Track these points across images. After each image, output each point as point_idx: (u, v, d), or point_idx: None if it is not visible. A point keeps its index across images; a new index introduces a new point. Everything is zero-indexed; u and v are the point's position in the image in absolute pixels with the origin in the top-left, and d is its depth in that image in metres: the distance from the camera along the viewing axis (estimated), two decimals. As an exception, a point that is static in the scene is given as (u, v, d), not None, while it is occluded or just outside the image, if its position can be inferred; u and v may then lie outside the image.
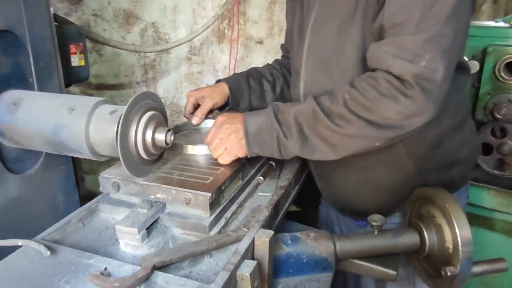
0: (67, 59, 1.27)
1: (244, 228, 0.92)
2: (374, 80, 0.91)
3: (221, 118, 1.08)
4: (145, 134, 0.89)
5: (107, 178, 0.98)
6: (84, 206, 0.99)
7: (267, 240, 0.83)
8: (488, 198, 1.79)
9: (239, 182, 1.08)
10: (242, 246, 0.82)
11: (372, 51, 0.94)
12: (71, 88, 1.75)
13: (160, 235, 0.91)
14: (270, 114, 1.02)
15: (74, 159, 1.23)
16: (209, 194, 0.89)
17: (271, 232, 0.84)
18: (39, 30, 1.04)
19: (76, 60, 1.29)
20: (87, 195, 1.25)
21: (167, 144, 0.92)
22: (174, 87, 2.54)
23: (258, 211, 1.01)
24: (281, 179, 1.17)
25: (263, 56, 2.85)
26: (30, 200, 1.08)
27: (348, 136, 0.94)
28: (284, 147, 1.01)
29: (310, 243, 0.98)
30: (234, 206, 1.00)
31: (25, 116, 0.94)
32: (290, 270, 0.95)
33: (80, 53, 1.30)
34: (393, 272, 1.03)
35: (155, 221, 0.92)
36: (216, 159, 1.06)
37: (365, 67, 0.99)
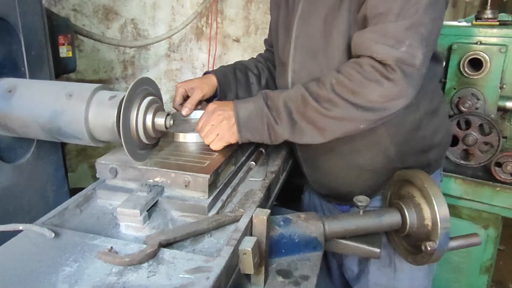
0: (56, 50, 1.26)
1: (240, 209, 0.96)
2: (359, 66, 0.97)
3: (213, 105, 1.11)
4: (145, 118, 0.91)
5: (104, 164, 0.99)
6: (80, 192, 0.99)
7: (265, 217, 0.87)
8: (455, 187, 1.87)
9: (232, 167, 1.11)
10: (242, 223, 0.86)
11: (356, 38, 1.00)
12: (51, 83, 1.73)
13: (160, 218, 0.93)
14: (260, 100, 1.06)
15: (63, 151, 1.23)
16: (208, 176, 0.92)
17: (268, 211, 0.88)
18: (31, 19, 1.04)
19: (64, 51, 1.29)
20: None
21: (166, 128, 0.95)
22: (152, 84, 2.53)
23: (251, 195, 1.05)
24: (270, 165, 1.22)
25: (240, 54, 2.89)
26: (21, 190, 1.07)
27: (335, 119, 0.99)
28: (274, 132, 1.05)
29: (301, 224, 1.02)
30: (228, 190, 1.04)
31: (21, 103, 0.94)
32: (283, 250, 0.99)
33: (68, 44, 1.30)
34: (377, 250, 1.08)
35: (154, 205, 0.94)
36: (208, 146, 1.09)
37: (350, 54, 1.04)
